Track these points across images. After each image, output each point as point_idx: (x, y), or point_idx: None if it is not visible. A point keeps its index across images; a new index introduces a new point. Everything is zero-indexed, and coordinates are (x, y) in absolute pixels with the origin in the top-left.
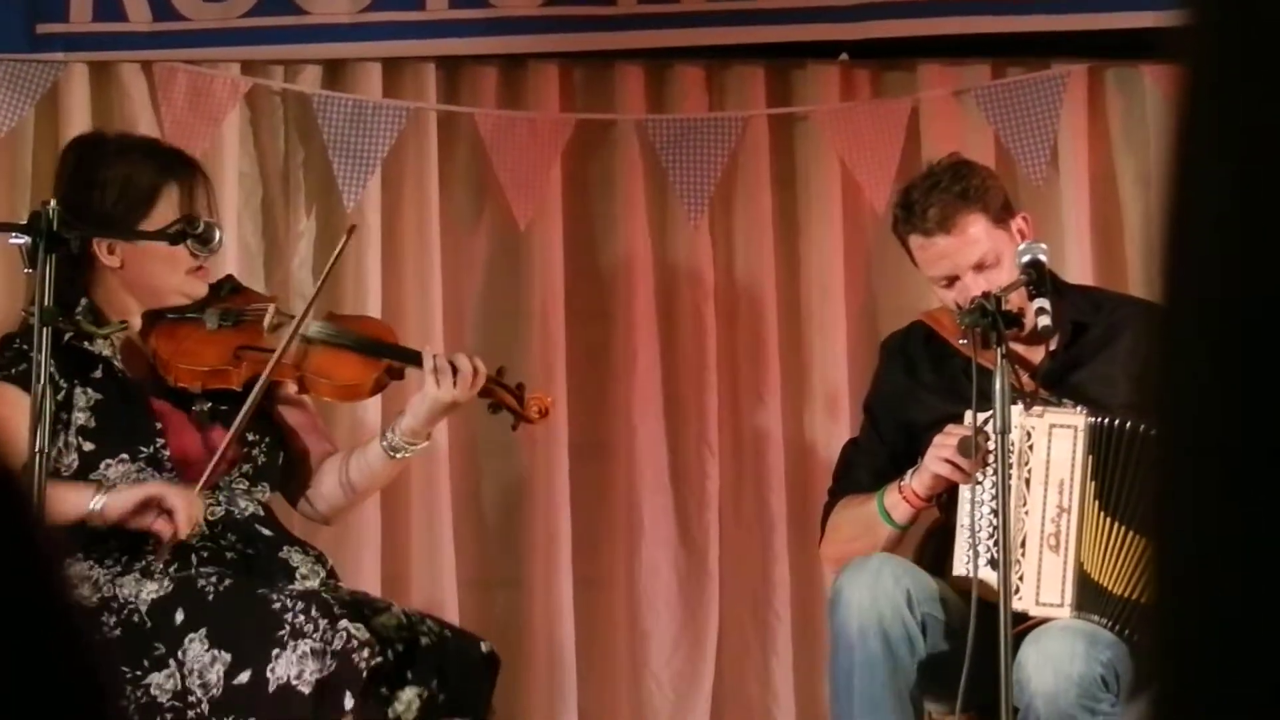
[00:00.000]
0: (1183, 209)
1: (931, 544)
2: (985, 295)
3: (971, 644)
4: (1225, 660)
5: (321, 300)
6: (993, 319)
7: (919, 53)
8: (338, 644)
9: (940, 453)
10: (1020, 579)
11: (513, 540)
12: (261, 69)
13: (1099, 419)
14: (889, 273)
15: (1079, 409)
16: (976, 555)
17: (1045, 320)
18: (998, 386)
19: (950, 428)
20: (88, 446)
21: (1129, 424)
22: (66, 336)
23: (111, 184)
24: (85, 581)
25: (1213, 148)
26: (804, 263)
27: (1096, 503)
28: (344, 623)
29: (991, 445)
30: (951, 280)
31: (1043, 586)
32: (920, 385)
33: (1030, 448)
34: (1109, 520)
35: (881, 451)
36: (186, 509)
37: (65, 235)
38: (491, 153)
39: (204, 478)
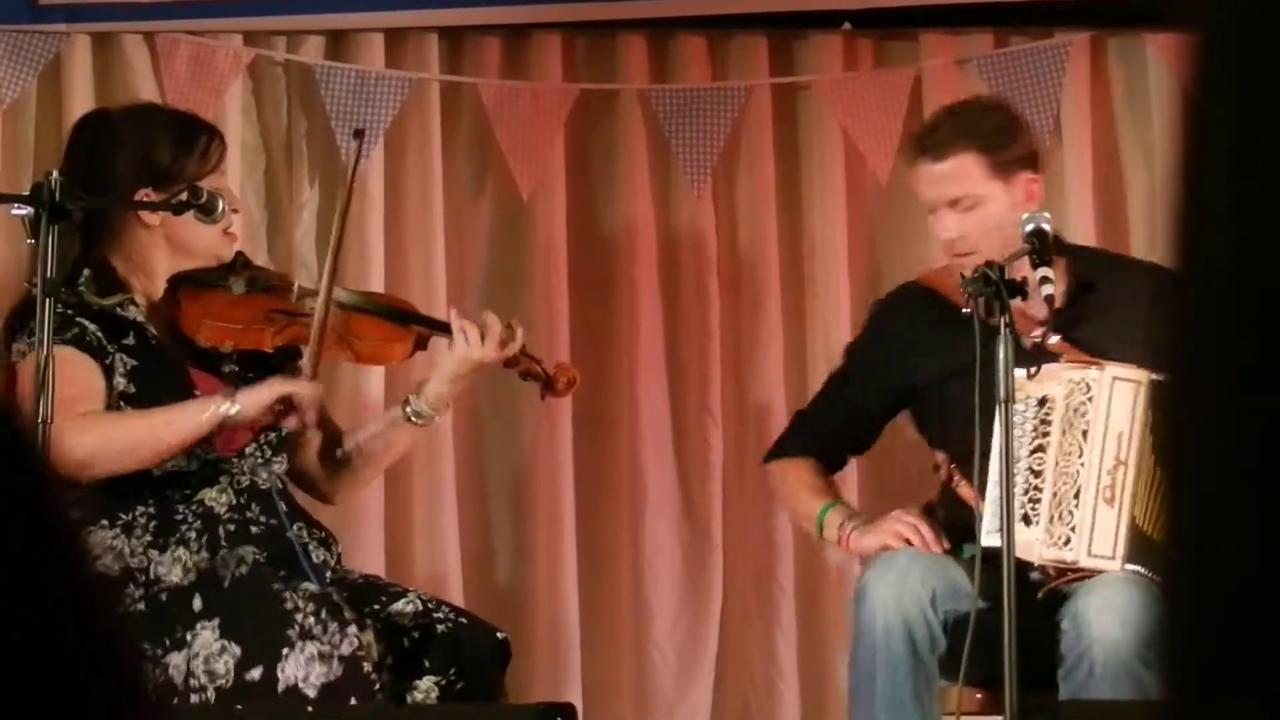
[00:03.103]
0: (1193, 180)
1: (939, 514)
2: (989, 264)
3: (973, 622)
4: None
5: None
6: (996, 288)
7: (921, 22)
8: (346, 649)
9: (899, 527)
10: (1072, 530)
11: (516, 512)
12: (264, 39)
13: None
14: (892, 242)
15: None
16: (1009, 516)
17: (1049, 289)
18: (1001, 355)
19: (911, 518)
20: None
21: None
22: (95, 306)
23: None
24: (110, 551)
25: (1224, 116)
26: (807, 232)
27: (1155, 458)
28: (352, 628)
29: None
30: (934, 208)
31: (1095, 538)
32: (919, 344)
33: (1089, 400)
34: None
35: (849, 407)
36: (314, 402)
37: (68, 206)
38: (494, 123)
39: (306, 368)
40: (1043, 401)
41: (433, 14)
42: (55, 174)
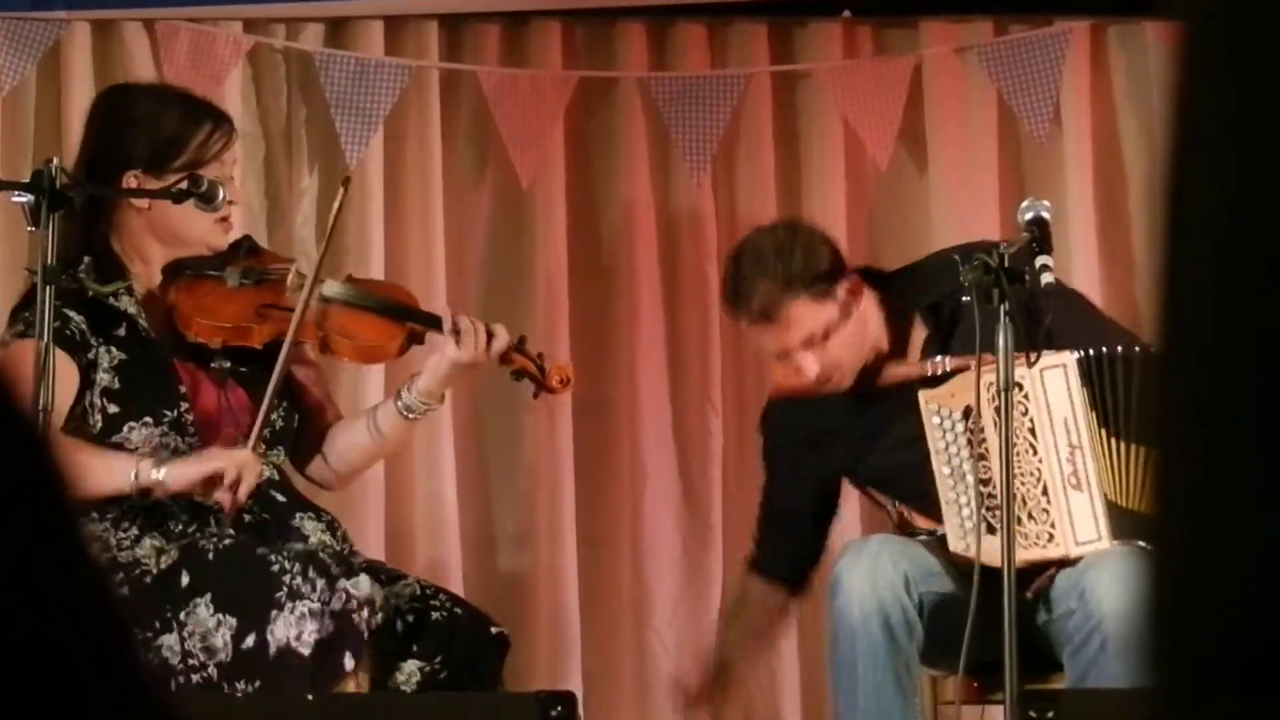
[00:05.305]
0: (1186, 179)
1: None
2: (988, 250)
3: (974, 613)
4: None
5: (328, 263)
6: (996, 275)
7: (921, 10)
8: (336, 604)
9: None
10: (1051, 526)
11: (516, 499)
12: (263, 27)
13: (1084, 353)
14: (892, 230)
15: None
16: (975, 523)
17: (1049, 277)
18: (1001, 342)
19: None
20: (112, 408)
21: (1112, 349)
22: (91, 293)
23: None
24: (98, 542)
25: (1218, 110)
26: (807, 219)
27: (1103, 431)
28: (342, 582)
29: None
30: (782, 355)
31: (1077, 527)
32: (818, 443)
33: (1026, 397)
34: (1119, 443)
35: (790, 517)
36: (249, 480)
37: (68, 193)
38: (494, 110)
39: (253, 437)
40: (967, 413)
41: (432, 1)
42: (56, 161)
